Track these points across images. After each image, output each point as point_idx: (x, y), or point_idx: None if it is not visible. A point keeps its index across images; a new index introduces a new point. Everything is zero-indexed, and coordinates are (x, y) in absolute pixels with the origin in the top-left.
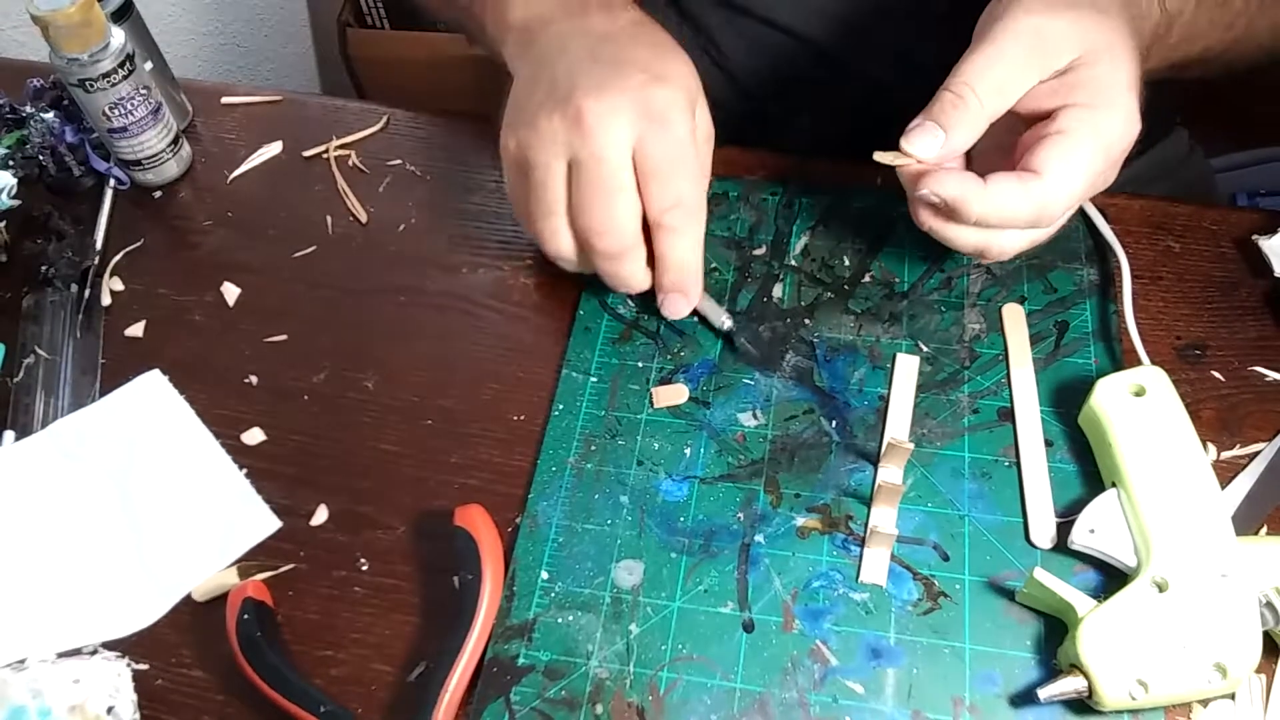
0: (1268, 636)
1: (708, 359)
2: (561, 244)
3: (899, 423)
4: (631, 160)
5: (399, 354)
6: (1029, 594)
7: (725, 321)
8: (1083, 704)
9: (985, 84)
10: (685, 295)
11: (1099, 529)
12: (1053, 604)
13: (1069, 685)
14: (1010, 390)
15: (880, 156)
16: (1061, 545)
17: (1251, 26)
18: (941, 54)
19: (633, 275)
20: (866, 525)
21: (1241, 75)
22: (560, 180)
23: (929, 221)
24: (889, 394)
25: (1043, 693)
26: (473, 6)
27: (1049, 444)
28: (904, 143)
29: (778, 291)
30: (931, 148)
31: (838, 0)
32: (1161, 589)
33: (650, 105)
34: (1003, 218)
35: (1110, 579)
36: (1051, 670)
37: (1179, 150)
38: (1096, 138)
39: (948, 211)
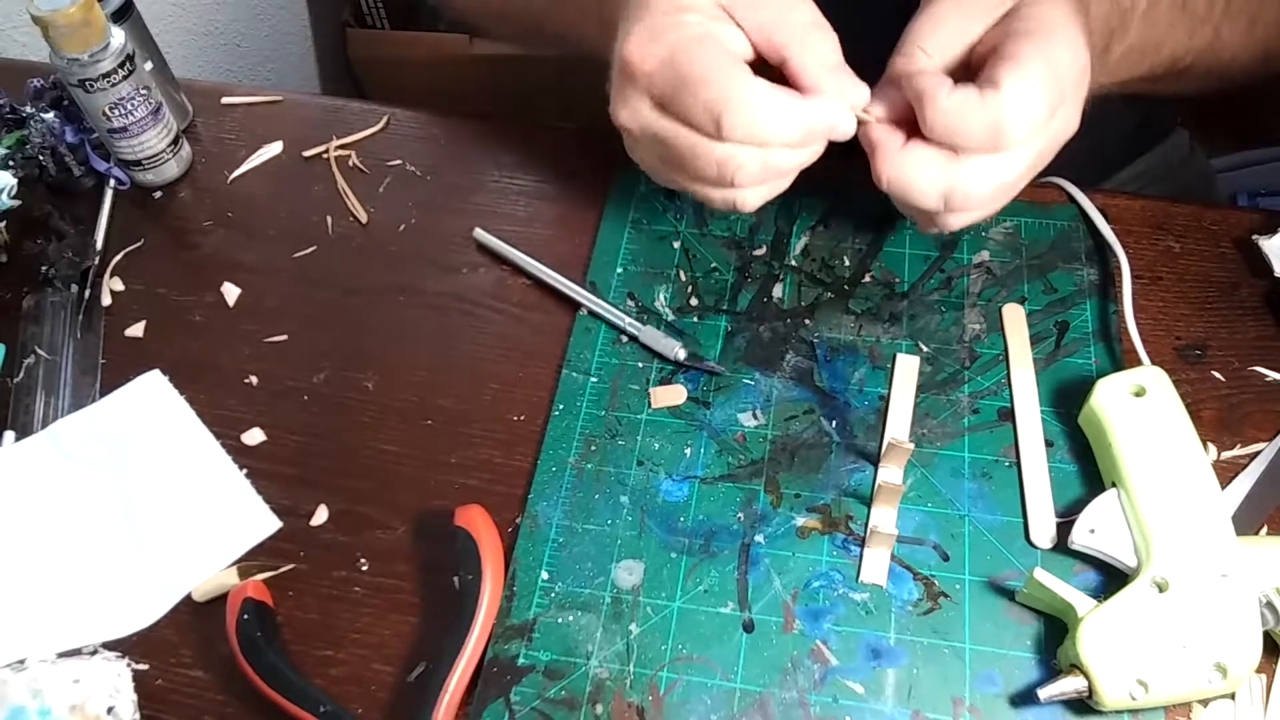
0: (1268, 636)
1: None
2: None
3: (899, 423)
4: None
5: (399, 354)
6: (1029, 594)
7: (679, 353)
8: (1083, 704)
9: (932, 43)
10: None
11: (1099, 529)
12: (1053, 604)
13: (1069, 685)
14: (1010, 390)
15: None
16: (1061, 545)
17: (1218, 38)
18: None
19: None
20: (866, 525)
21: (1238, 90)
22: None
23: (886, 169)
24: (889, 394)
25: (1043, 693)
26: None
27: (1049, 444)
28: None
29: (778, 291)
30: (887, 109)
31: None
32: (1161, 589)
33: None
34: (963, 130)
35: (1110, 579)
36: (1051, 670)
37: (1179, 151)
38: (1046, 61)
39: (915, 113)
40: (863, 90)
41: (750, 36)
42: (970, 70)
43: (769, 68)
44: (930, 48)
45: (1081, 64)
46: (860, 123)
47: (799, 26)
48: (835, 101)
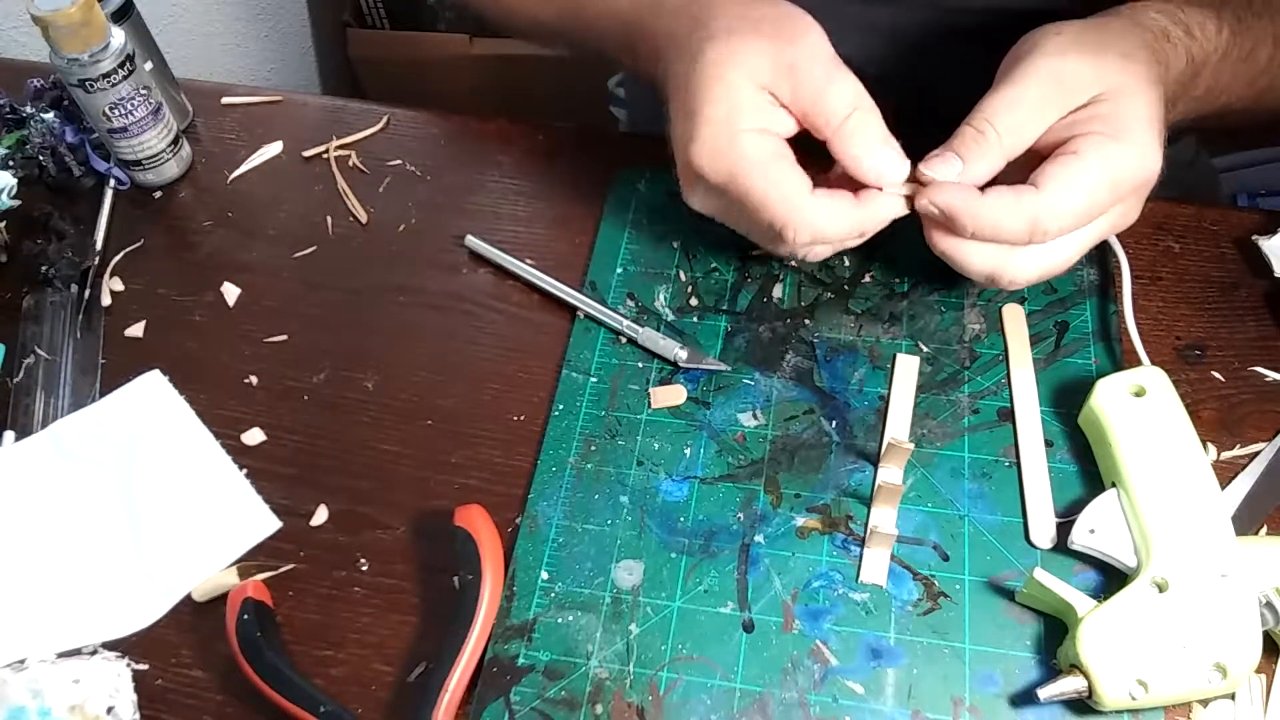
0: (1268, 636)
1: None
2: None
3: (899, 423)
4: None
5: (399, 354)
6: (1029, 594)
7: (679, 353)
8: (1083, 704)
9: (1005, 122)
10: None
11: (1099, 529)
12: (1053, 604)
13: (1069, 685)
14: (1010, 390)
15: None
16: (1061, 545)
17: (1274, 83)
18: (966, 89)
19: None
20: (866, 525)
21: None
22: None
23: (939, 243)
24: (889, 394)
25: (1043, 693)
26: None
27: (1049, 444)
28: (923, 166)
29: (778, 292)
30: (948, 175)
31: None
32: (1161, 589)
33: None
34: (996, 229)
35: (1110, 579)
36: (1051, 670)
37: (1186, 153)
38: (1104, 164)
39: (948, 224)
40: (905, 167)
41: (797, 120)
42: (1037, 154)
43: None
44: (1002, 127)
45: (1149, 169)
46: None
47: (840, 109)
48: (886, 200)
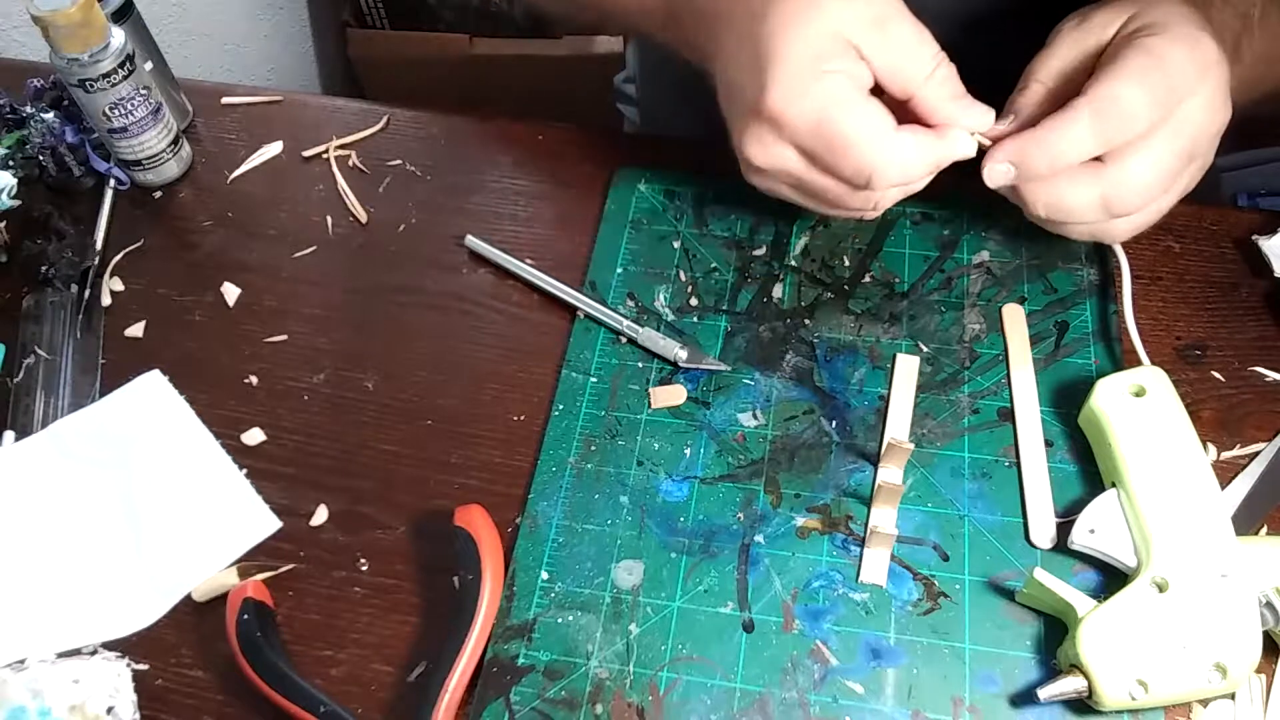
0: (1268, 636)
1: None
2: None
3: (899, 423)
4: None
5: (399, 354)
6: (1029, 594)
7: (679, 353)
8: (1083, 704)
9: (1044, 72)
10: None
11: (1099, 529)
12: (1053, 604)
13: (1069, 685)
14: (1010, 390)
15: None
16: (1061, 545)
17: None
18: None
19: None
20: (866, 525)
21: None
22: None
23: (1042, 198)
24: (889, 394)
25: (1043, 693)
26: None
27: (1049, 444)
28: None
29: (778, 291)
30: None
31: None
32: (1161, 589)
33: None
34: (1064, 147)
35: (1110, 579)
36: (1051, 670)
37: None
38: (1149, 56)
39: (1022, 165)
40: (989, 116)
41: (878, 75)
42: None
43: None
44: (1043, 77)
45: (1202, 57)
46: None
47: (925, 65)
48: (960, 134)
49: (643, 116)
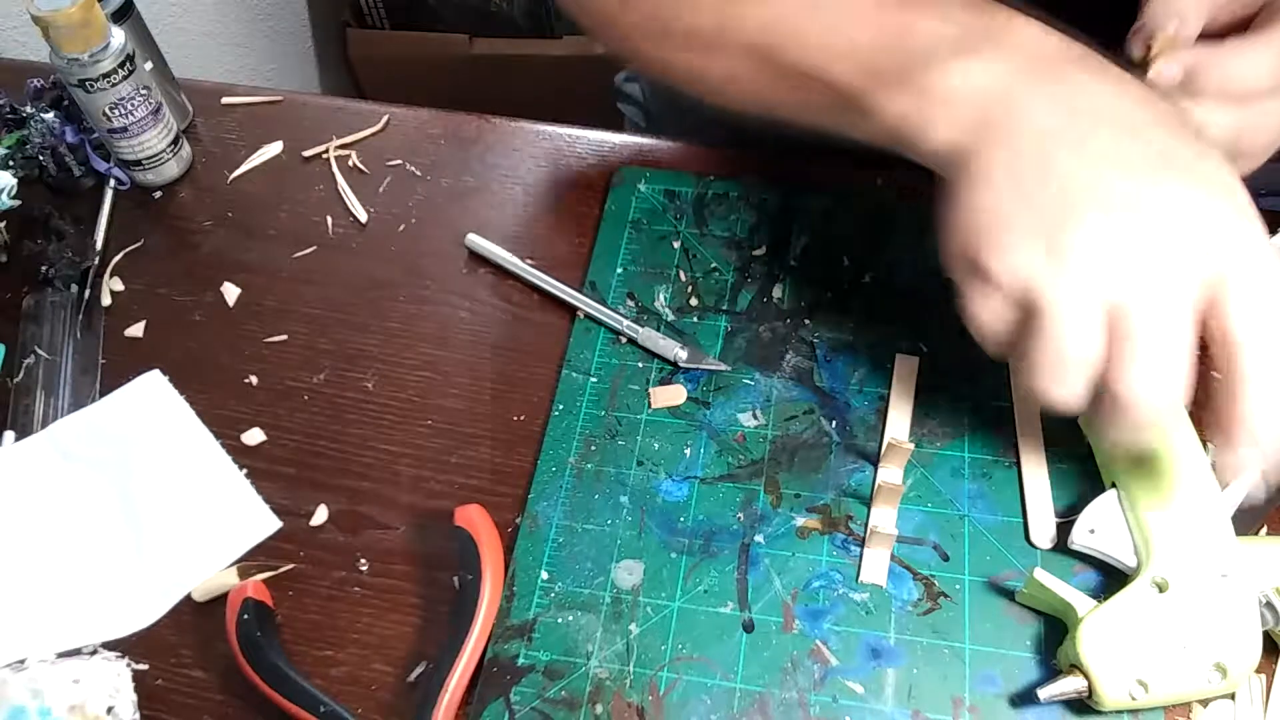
0: (1268, 636)
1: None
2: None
3: (899, 423)
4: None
5: (399, 354)
6: (1029, 594)
7: (679, 353)
8: (1083, 704)
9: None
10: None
11: (1099, 529)
12: (1053, 604)
13: (1069, 685)
14: (1010, 390)
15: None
16: (1061, 545)
17: None
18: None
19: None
20: (866, 525)
21: None
22: (1096, 327)
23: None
24: (889, 394)
25: (1043, 693)
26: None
27: (1049, 444)
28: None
29: (778, 291)
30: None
31: None
32: (1161, 589)
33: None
34: (1242, 71)
35: (1110, 579)
36: (1051, 670)
37: None
38: None
39: (1190, 86)
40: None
41: None
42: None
43: None
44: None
45: None
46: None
47: None
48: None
49: (647, 116)
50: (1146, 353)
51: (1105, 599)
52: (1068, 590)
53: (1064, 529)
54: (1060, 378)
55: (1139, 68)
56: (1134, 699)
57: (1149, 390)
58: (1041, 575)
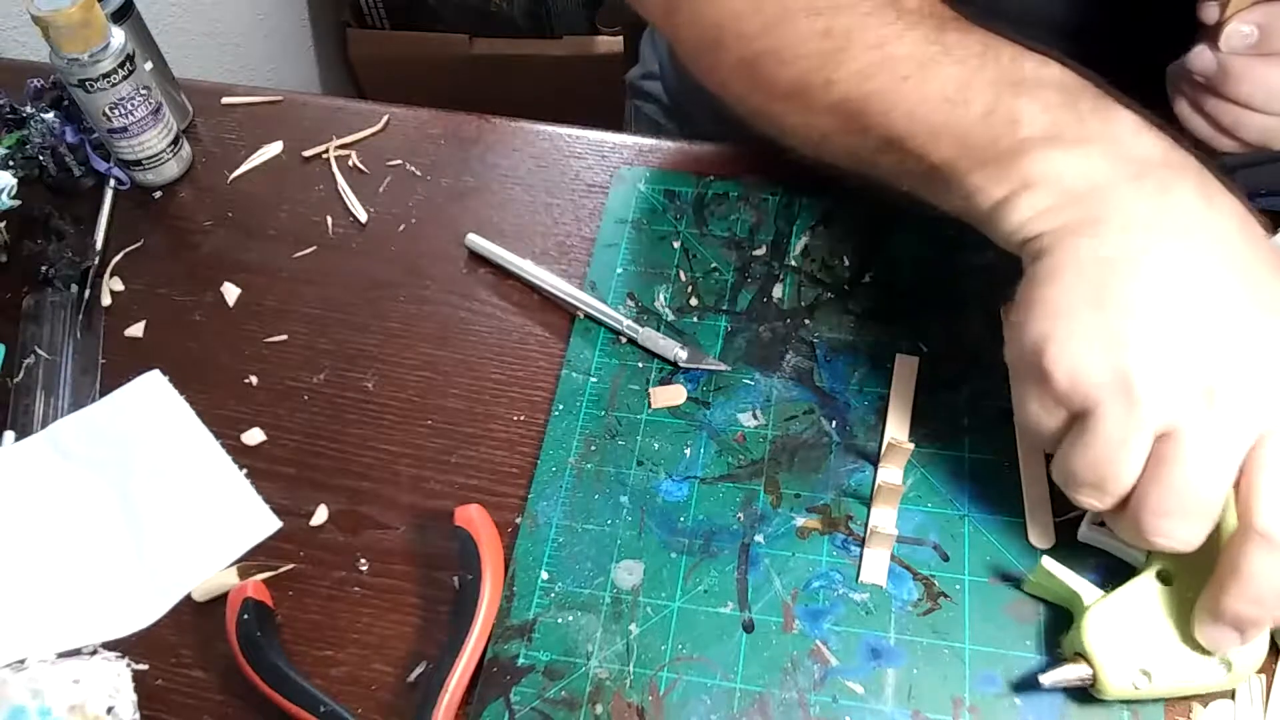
0: (1272, 635)
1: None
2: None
3: (899, 423)
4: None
5: (399, 354)
6: (1036, 583)
7: (679, 353)
8: (1084, 693)
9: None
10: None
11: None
12: (1059, 593)
13: (1072, 672)
14: (1010, 390)
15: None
16: (1062, 545)
17: None
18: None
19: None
20: (866, 525)
21: None
22: (1142, 451)
23: (1256, 86)
24: (889, 394)
25: (1045, 678)
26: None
27: None
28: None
29: (778, 291)
30: None
31: None
32: (1167, 581)
33: None
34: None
35: (1116, 572)
36: (1055, 662)
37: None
38: None
39: (1265, 45)
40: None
41: None
42: None
43: None
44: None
45: None
46: None
47: None
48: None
49: (668, 113)
50: (1183, 484)
51: (1111, 590)
52: (1075, 580)
53: (1064, 528)
54: (1095, 492)
55: (1213, 32)
56: (1137, 688)
57: (1171, 523)
58: (1049, 564)
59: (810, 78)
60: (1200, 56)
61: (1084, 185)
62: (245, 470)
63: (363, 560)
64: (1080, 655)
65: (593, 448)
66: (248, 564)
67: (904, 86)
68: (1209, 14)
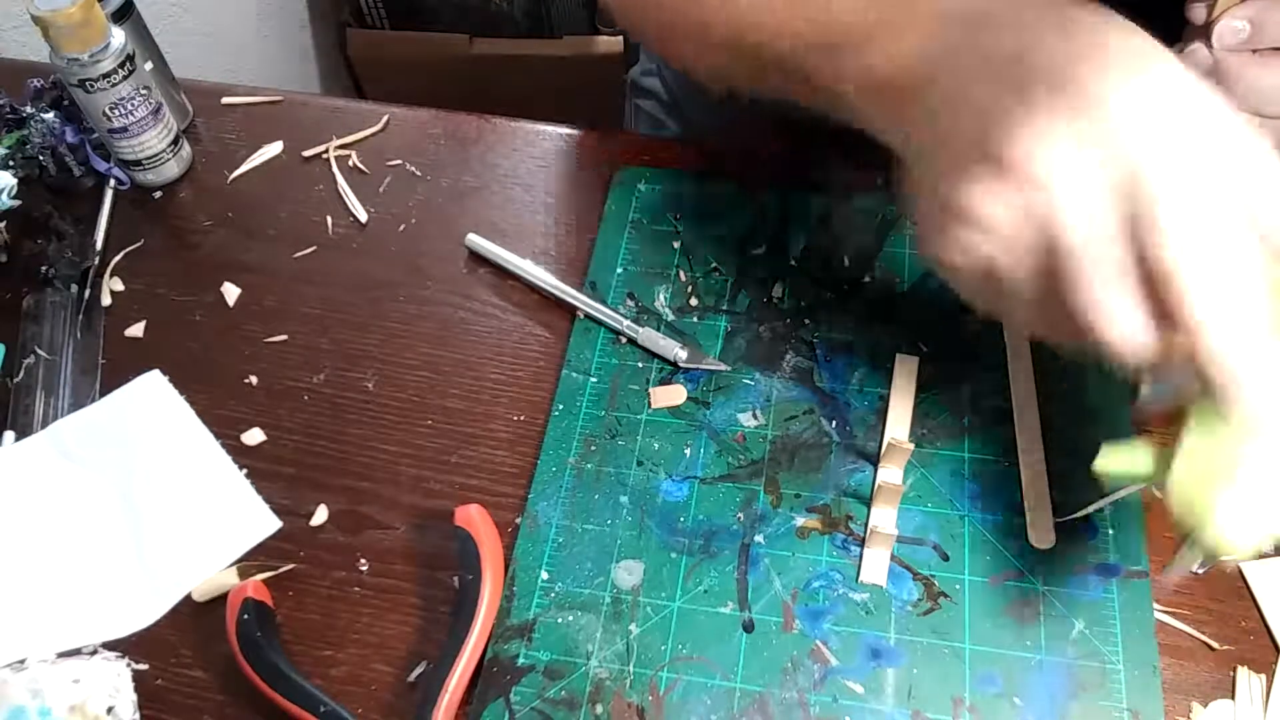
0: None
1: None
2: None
3: (899, 423)
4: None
5: (399, 354)
6: (1112, 458)
7: (679, 353)
8: (1084, 693)
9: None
10: None
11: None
12: (1136, 470)
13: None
14: (1010, 390)
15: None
16: (1062, 544)
17: None
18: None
19: None
20: (866, 525)
21: None
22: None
23: (1250, 82)
24: (889, 394)
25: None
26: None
27: (1048, 444)
28: None
29: (778, 291)
30: None
31: None
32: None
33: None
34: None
35: (1116, 574)
36: (1051, 661)
37: None
38: None
39: (1257, 40)
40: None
41: None
42: None
43: None
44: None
45: None
46: None
47: None
48: None
49: (667, 109)
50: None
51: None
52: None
53: (1063, 529)
54: (1107, 303)
55: (1201, 32)
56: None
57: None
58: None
59: (706, 16)
60: (1196, 55)
61: (941, 24)
62: (245, 470)
63: (363, 560)
64: (1189, 536)
65: (593, 448)
66: (248, 564)
67: (774, 3)
68: (1197, 14)
